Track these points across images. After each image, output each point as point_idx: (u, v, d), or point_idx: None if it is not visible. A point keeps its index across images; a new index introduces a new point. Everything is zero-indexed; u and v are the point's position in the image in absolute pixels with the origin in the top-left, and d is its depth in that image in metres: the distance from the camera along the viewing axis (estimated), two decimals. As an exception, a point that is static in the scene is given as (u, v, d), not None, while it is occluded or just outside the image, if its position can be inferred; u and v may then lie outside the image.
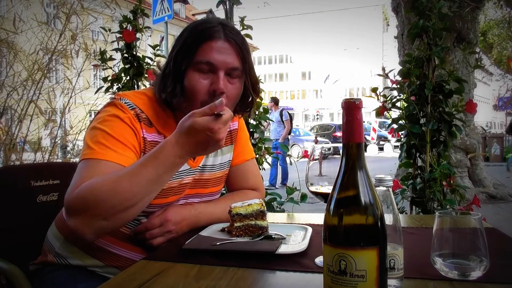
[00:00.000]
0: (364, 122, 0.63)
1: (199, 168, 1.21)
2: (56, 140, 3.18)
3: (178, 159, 0.95)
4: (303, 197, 2.26)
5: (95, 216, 0.92)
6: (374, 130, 18.84)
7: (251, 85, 1.18)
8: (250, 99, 1.21)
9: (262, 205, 1.09)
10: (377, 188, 0.74)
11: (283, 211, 2.32)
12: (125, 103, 1.08)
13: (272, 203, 2.29)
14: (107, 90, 2.71)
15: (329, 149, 0.94)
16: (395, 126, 2.31)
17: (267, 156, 2.46)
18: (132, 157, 1.02)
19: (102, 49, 2.74)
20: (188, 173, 1.18)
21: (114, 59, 2.77)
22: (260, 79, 2.43)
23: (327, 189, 0.89)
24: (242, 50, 1.12)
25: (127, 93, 1.15)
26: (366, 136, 17.88)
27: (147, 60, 2.65)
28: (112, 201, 0.91)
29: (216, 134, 0.93)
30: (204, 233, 1.07)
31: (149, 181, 0.94)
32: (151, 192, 0.97)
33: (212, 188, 1.27)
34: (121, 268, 1.06)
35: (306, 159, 0.98)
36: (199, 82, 1.08)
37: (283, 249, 0.93)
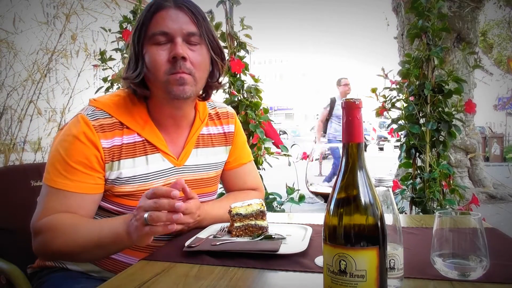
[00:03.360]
0: (364, 122, 0.63)
1: (186, 167, 1.18)
2: (56, 140, 3.17)
3: (123, 233, 0.94)
4: (301, 198, 2.27)
5: (46, 249, 1.02)
6: (374, 130, 18.85)
7: (213, 51, 1.14)
8: (218, 71, 1.18)
9: (262, 205, 1.09)
10: (377, 188, 0.74)
11: (283, 211, 2.32)
12: (90, 113, 1.07)
13: (272, 203, 2.29)
14: (107, 90, 2.71)
15: (329, 149, 0.94)
16: (394, 126, 2.31)
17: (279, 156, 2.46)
18: (84, 180, 1.03)
19: (102, 49, 2.74)
20: (172, 172, 1.15)
21: (114, 59, 2.77)
22: (260, 79, 2.44)
23: (327, 189, 0.89)
24: (196, 14, 1.09)
25: (101, 98, 1.13)
26: (366, 136, 17.88)
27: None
28: (60, 245, 0.99)
29: (138, 212, 0.90)
30: (203, 233, 1.07)
31: (95, 244, 0.98)
32: (94, 252, 1.02)
33: (207, 188, 1.26)
34: (118, 273, 1.06)
35: (305, 160, 0.98)
36: (158, 53, 1.06)
37: (283, 249, 0.93)
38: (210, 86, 1.19)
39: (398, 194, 2.20)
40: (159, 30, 1.05)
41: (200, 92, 1.20)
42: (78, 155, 1.03)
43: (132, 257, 1.12)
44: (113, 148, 1.07)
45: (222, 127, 1.30)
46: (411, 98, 2.21)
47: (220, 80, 1.21)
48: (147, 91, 1.11)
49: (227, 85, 2.38)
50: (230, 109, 1.37)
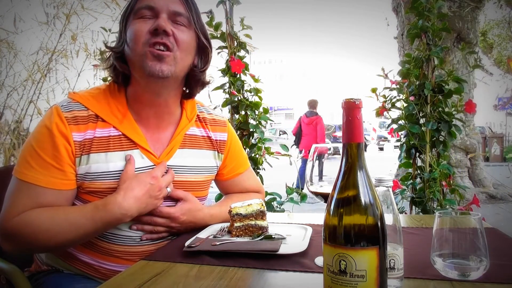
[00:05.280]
0: (364, 122, 0.63)
1: (169, 167, 1.12)
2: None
3: (120, 216, 0.99)
4: (303, 197, 2.26)
5: (27, 248, 1.03)
6: (374, 130, 18.89)
7: (199, 38, 1.10)
8: (202, 60, 1.13)
9: (262, 205, 1.09)
10: (377, 188, 0.74)
11: (283, 211, 2.32)
12: (65, 104, 1.04)
13: (272, 203, 2.29)
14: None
15: (329, 149, 0.94)
16: (394, 126, 2.31)
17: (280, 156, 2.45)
18: (56, 176, 0.99)
19: (102, 49, 2.74)
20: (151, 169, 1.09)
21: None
22: (260, 79, 2.43)
23: (327, 189, 0.89)
24: None
25: (80, 92, 1.11)
26: (366, 136, 17.92)
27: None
28: (46, 243, 0.98)
29: (158, 181, 1.04)
30: (203, 233, 1.07)
31: (85, 233, 0.99)
32: (85, 239, 1.03)
33: (196, 193, 1.19)
34: None
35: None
36: (140, 25, 1.03)
37: (283, 249, 0.92)
38: (194, 78, 1.14)
39: (398, 194, 2.20)
40: (145, 4, 1.03)
41: (184, 88, 1.17)
42: (50, 147, 0.99)
43: (123, 265, 1.07)
44: (84, 141, 1.02)
45: (210, 132, 1.25)
46: (411, 98, 2.21)
47: (204, 76, 1.16)
48: (125, 65, 1.08)
49: (227, 85, 2.38)
50: (222, 117, 1.32)
